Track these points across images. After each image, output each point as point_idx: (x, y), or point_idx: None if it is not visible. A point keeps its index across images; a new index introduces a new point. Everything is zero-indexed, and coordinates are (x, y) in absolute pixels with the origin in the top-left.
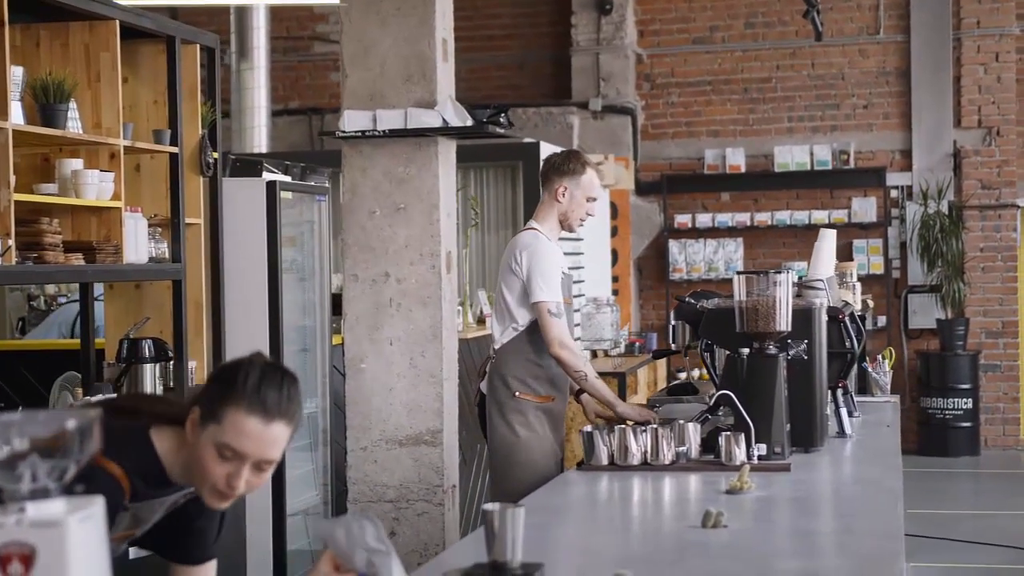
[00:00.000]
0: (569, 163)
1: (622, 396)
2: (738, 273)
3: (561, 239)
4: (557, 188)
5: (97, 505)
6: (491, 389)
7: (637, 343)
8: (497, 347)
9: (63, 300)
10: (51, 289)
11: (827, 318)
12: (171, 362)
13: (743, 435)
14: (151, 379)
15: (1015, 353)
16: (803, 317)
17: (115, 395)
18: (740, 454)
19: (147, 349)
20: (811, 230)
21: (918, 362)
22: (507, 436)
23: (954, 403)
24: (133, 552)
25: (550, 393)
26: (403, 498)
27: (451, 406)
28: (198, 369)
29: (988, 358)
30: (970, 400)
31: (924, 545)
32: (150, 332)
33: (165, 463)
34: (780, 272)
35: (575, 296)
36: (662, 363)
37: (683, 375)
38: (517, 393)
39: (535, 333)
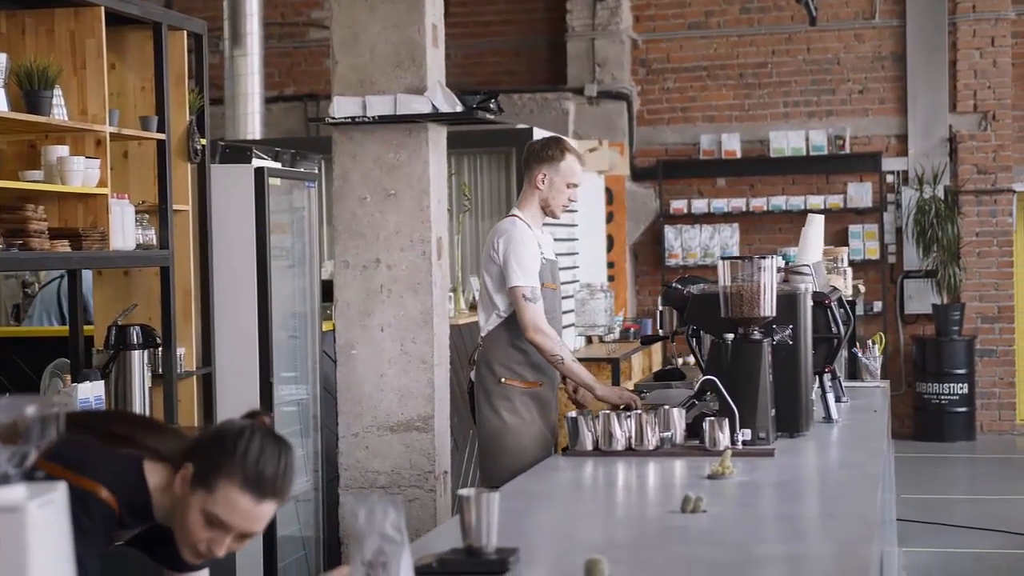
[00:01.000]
0: (548, 150)
1: (615, 382)
2: (723, 258)
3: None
4: (536, 175)
5: (58, 491)
6: (478, 376)
7: (632, 329)
8: (483, 335)
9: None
10: (45, 276)
11: (813, 303)
12: (159, 349)
13: (727, 420)
14: (139, 366)
15: (1011, 338)
16: (788, 302)
17: (108, 411)
18: (724, 439)
19: (135, 336)
20: (807, 216)
21: (914, 347)
22: (494, 422)
23: (950, 388)
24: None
25: (537, 379)
26: (394, 484)
27: (442, 392)
28: (187, 356)
29: (984, 343)
30: (966, 385)
31: (918, 530)
32: (138, 319)
33: (153, 499)
34: (764, 258)
35: (568, 282)
36: (657, 349)
37: (679, 361)
38: (503, 379)
39: (517, 319)
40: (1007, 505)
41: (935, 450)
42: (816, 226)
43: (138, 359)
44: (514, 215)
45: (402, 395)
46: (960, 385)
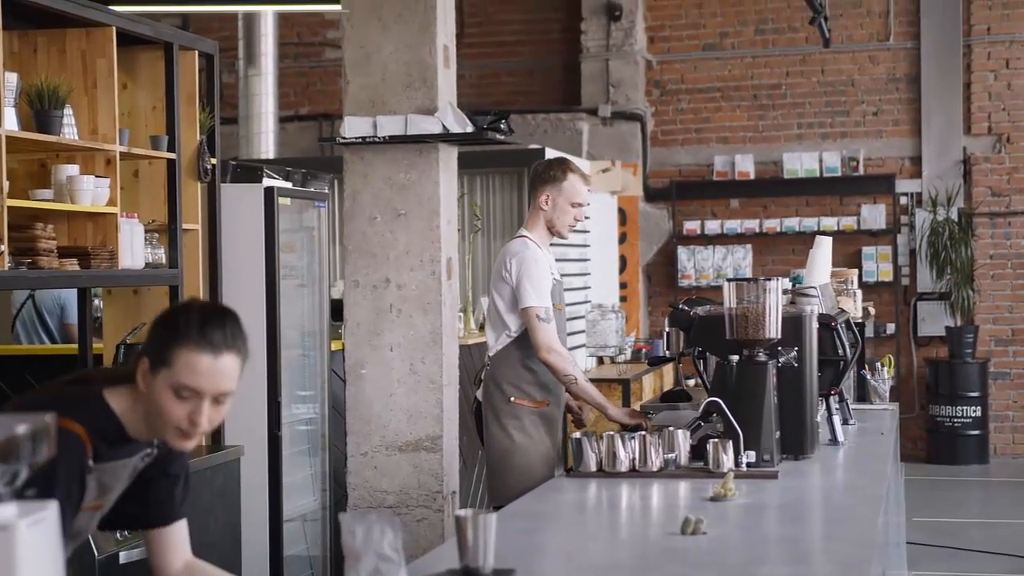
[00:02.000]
0: (551, 171)
1: (626, 403)
2: (728, 280)
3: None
4: (541, 196)
5: (49, 510)
6: (486, 395)
7: (644, 350)
8: (491, 354)
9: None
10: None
11: (820, 325)
12: None
13: (732, 442)
14: None
15: None
16: (794, 324)
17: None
18: (728, 461)
19: None
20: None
21: (927, 370)
22: (503, 441)
23: (963, 411)
24: (124, 556)
25: (545, 398)
26: (403, 504)
27: (451, 412)
28: None
29: (997, 366)
30: (979, 408)
31: (930, 553)
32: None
33: (123, 421)
34: (770, 279)
35: (580, 303)
36: (669, 370)
37: (691, 382)
38: (512, 399)
39: (528, 339)
40: (1019, 529)
41: (948, 473)
42: (824, 248)
43: None
44: (524, 236)
45: (411, 415)
46: (973, 408)
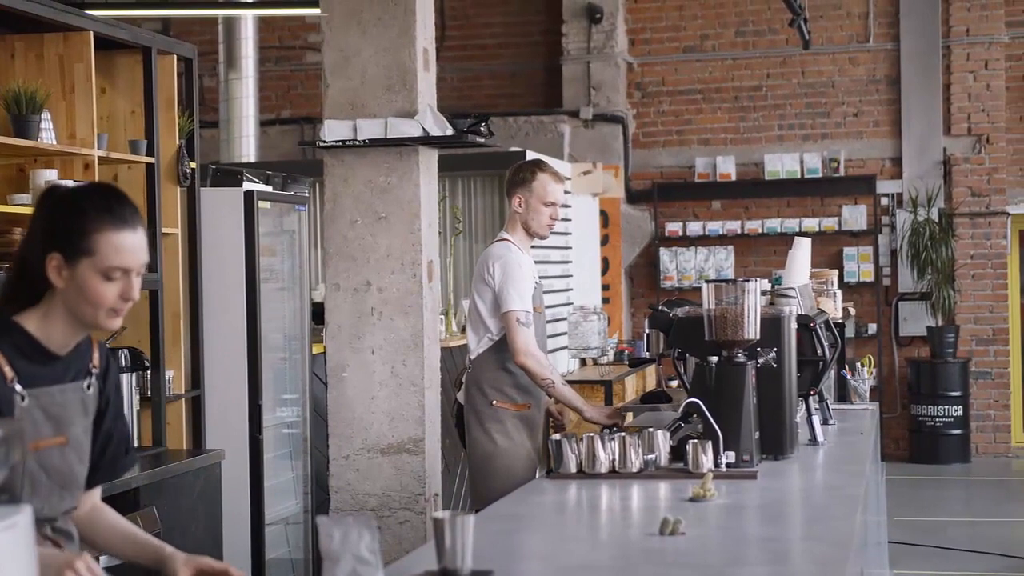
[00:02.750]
0: (520, 173)
1: (608, 404)
2: (707, 281)
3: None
4: (514, 199)
5: (23, 514)
6: (468, 398)
7: (626, 351)
8: (472, 357)
9: None
10: None
11: (799, 326)
12: (148, 371)
13: (711, 443)
14: (128, 389)
15: (1005, 360)
16: (772, 325)
17: None
18: (708, 462)
19: (124, 359)
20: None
21: (908, 369)
22: (486, 445)
23: (945, 410)
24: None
25: (526, 401)
26: (385, 507)
27: (433, 414)
28: (176, 378)
29: (979, 365)
30: (961, 407)
31: (912, 552)
32: (127, 342)
33: (40, 338)
34: (748, 281)
35: (561, 305)
36: (651, 371)
37: (675, 383)
38: (494, 402)
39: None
40: (1001, 527)
41: (930, 472)
42: (803, 249)
43: (126, 382)
44: (505, 239)
45: (393, 417)
46: (955, 407)
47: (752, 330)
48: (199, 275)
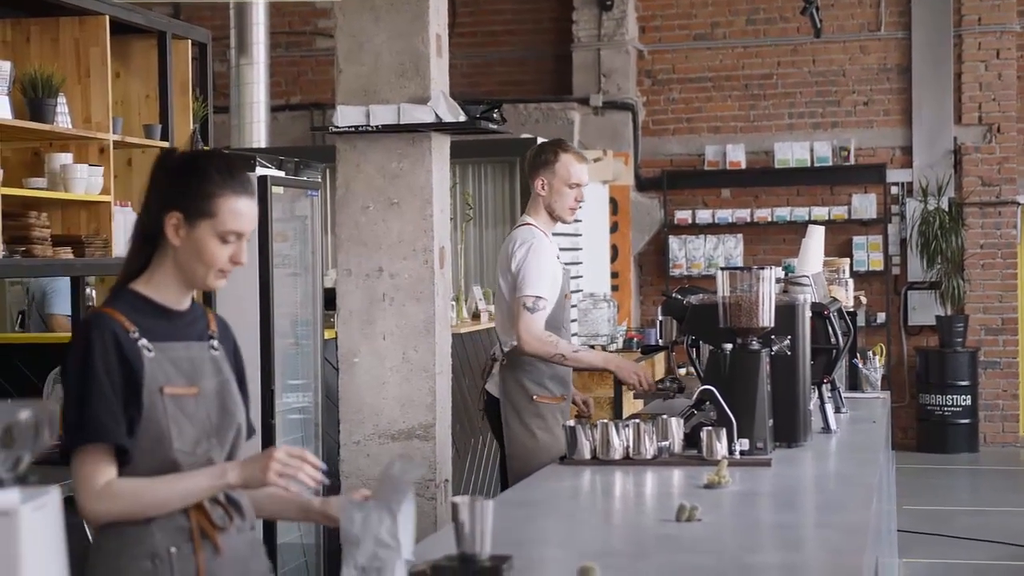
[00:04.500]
0: (542, 155)
1: (617, 391)
2: (722, 269)
3: (560, 234)
4: (536, 182)
5: (51, 495)
6: (506, 392)
7: (636, 339)
8: (506, 349)
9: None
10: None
11: (812, 314)
12: None
13: (725, 430)
14: None
15: (1014, 350)
16: (787, 313)
17: None
18: (722, 449)
19: None
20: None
21: (917, 359)
22: (527, 440)
23: (953, 400)
24: None
25: (563, 392)
26: None
27: (444, 400)
28: None
29: (987, 355)
30: (969, 397)
31: (920, 541)
32: None
33: (155, 299)
34: (763, 268)
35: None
36: (662, 358)
37: (683, 371)
38: (535, 396)
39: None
40: (1009, 517)
41: (938, 461)
42: (816, 237)
43: None
44: (529, 223)
45: (404, 403)
46: (963, 397)
47: (767, 318)
48: None
